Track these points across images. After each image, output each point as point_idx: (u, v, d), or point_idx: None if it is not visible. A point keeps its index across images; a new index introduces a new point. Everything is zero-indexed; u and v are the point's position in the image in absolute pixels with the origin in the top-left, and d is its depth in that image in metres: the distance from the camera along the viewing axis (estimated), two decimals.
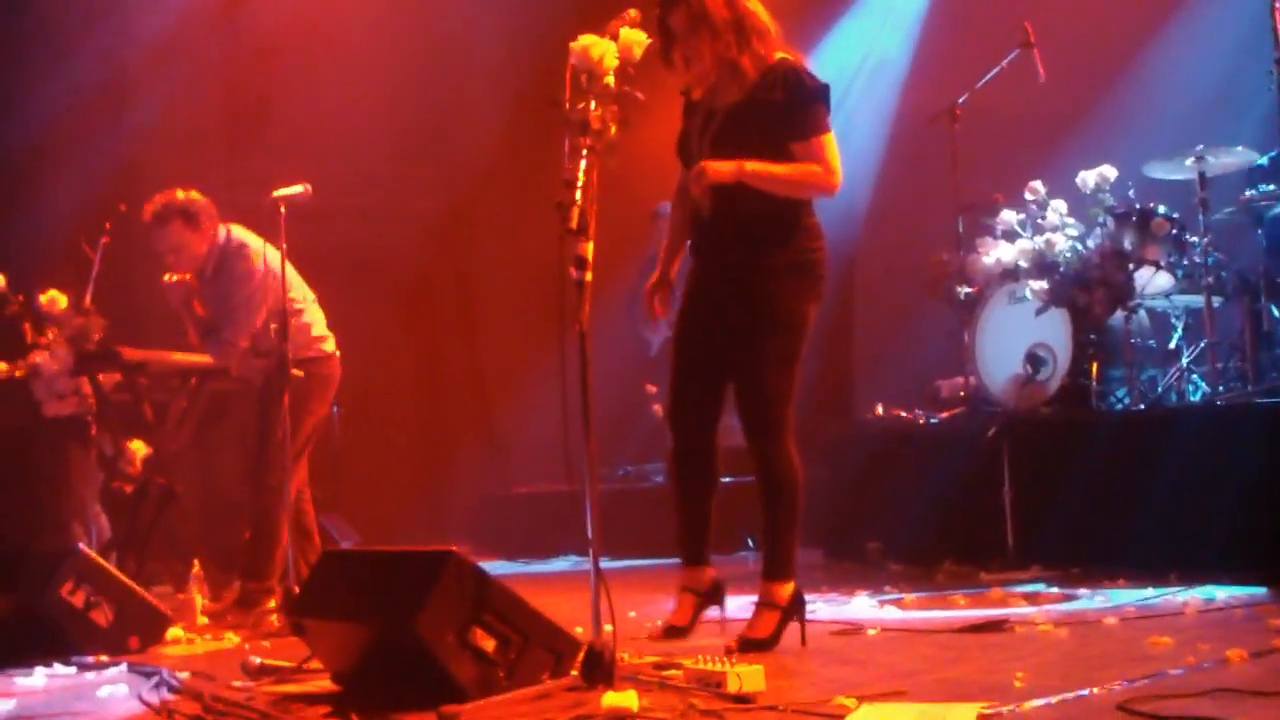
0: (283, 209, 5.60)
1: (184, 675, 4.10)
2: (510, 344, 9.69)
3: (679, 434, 4.36)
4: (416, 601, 3.37)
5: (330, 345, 6.04)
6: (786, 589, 4.19)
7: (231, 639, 5.25)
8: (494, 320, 10.19)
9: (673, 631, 4.32)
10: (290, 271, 5.69)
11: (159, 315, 8.14)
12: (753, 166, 4.09)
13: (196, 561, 6.07)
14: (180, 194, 5.90)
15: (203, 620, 5.71)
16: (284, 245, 5.56)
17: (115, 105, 8.57)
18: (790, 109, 4.13)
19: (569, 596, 5.24)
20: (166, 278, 5.92)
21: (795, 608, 4.21)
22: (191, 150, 9.08)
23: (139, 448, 6.56)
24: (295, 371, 5.64)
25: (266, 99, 9.08)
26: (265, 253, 5.87)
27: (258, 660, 4.09)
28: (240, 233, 5.99)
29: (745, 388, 4.21)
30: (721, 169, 4.08)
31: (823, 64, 9.53)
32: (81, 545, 5.08)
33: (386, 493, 9.38)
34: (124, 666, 4.47)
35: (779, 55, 4.22)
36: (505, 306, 9.90)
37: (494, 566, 5.21)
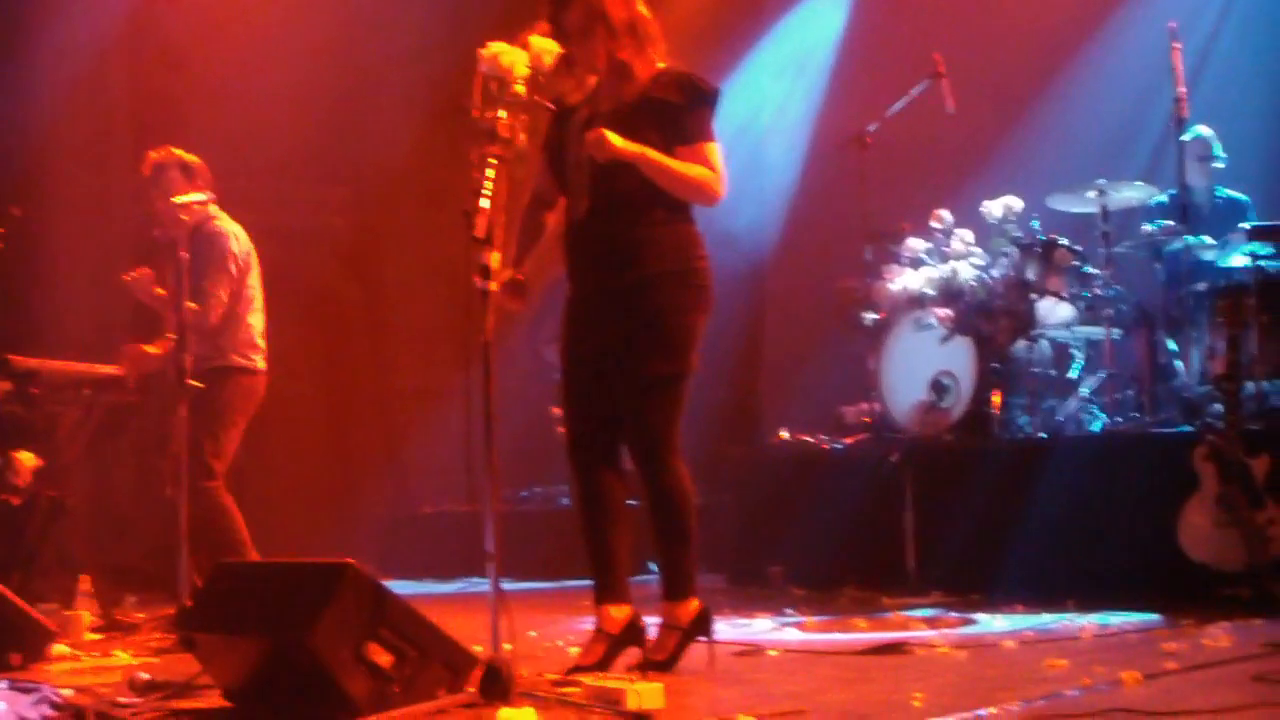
0: (185, 217, 5.51)
1: (67, 692, 3.97)
2: (419, 361, 9.60)
3: (578, 469, 4.22)
4: (311, 615, 3.29)
5: (263, 361, 5.92)
6: (688, 609, 4.13)
7: (121, 656, 5.11)
8: (403, 337, 10.08)
9: (577, 671, 4.02)
10: (255, 273, 5.76)
11: (53, 323, 7.98)
12: (654, 153, 3.99)
13: (85, 577, 5.92)
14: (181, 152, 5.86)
15: (91, 636, 5.56)
16: (185, 254, 5.46)
17: (13, 109, 8.37)
18: (680, 112, 4.06)
19: (470, 616, 5.15)
20: (126, 276, 5.80)
21: (698, 627, 4.15)
22: (95, 159, 8.90)
23: (28, 459, 6.37)
24: (194, 383, 5.53)
25: (173, 110, 8.92)
26: (243, 255, 5.84)
27: (145, 676, 3.97)
28: (229, 223, 5.90)
29: (631, 410, 4.10)
30: (623, 143, 3.95)
31: (739, 88, 9.73)
32: None
33: (289, 512, 9.21)
34: (4, 684, 4.32)
35: (666, 65, 4.17)
36: (414, 322, 9.80)
37: (397, 586, 5.14)
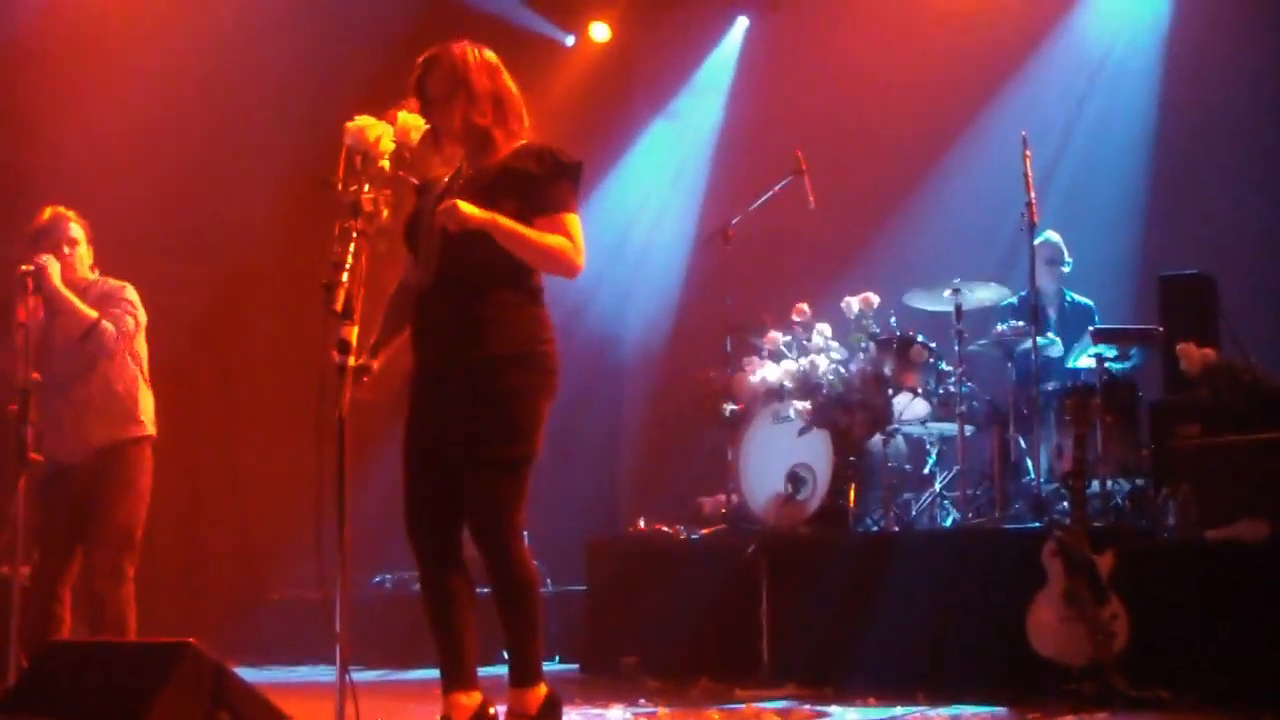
0: (30, 284, 5.36)
1: None
2: (272, 440, 9.39)
3: (419, 557, 4.12)
4: (147, 695, 3.17)
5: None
6: (536, 695, 4.05)
7: None
8: (256, 416, 9.88)
9: None
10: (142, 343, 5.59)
11: None
12: (506, 221, 3.92)
13: None
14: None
15: None
16: (28, 321, 5.30)
17: None
18: (539, 182, 4.01)
19: (316, 703, 5.02)
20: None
21: (546, 714, 4.06)
22: None
23: None
24: (35, 456, 5.35)
25: (23, 181, 8.69)
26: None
27: None
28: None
29: (474, 493, 4.00)
30: (475, 211, 3.88)
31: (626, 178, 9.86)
32: None
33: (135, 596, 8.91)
34: None
35: (530, 140, 4.15)
36: (268, 401, 9.61)
37: (244, 672, 4.98)
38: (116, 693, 3.31)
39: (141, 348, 5.65)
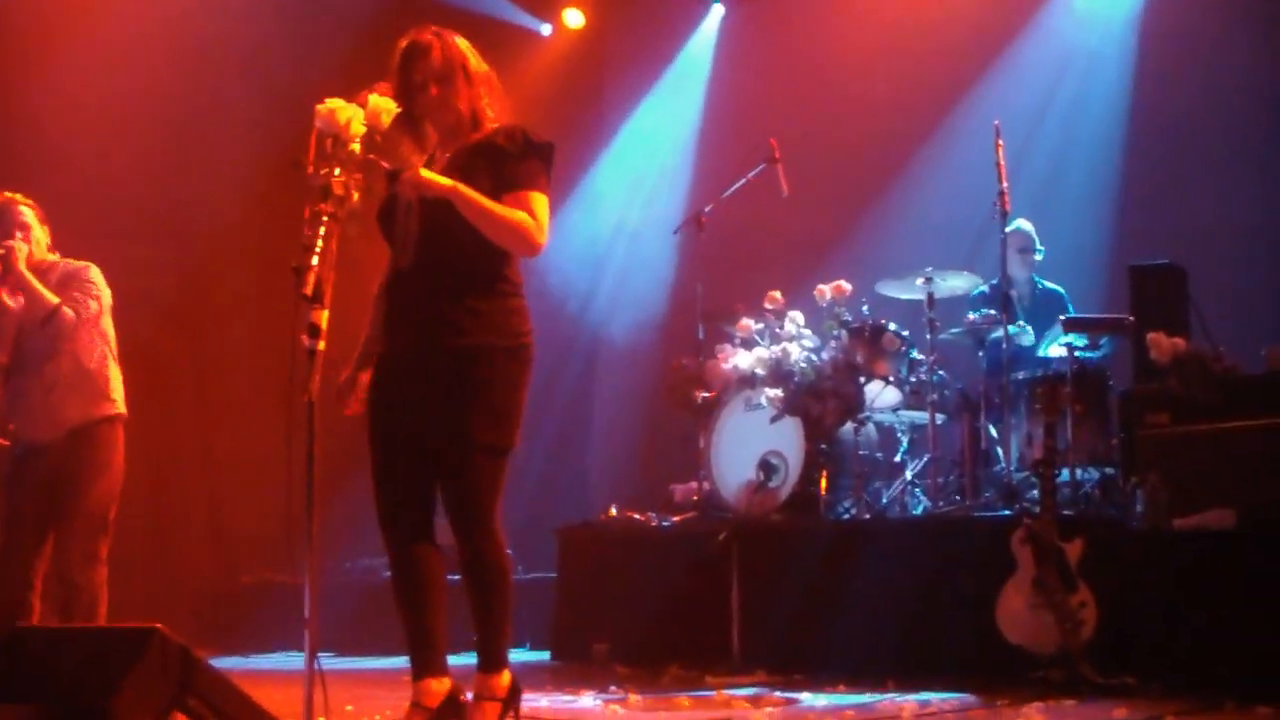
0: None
1: None
2: (242, 425, 9.34)
3: (391, 542, 4.08)
4: (113, 681, 3.14)
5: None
6: (504, 679, 4.07)
7: None
8: (227, 400, 9.82)
9: None
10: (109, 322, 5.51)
11: None
12: (468, 190, 3.90)
13: None
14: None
15: None
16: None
17: None
18: (508, 159, 4.00)
19: (285, 689, 5.00)
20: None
21: (514, 698, 4.09)
22: None
23: None
24: (1, 440, 5.32)
25: None
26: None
27: None
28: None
29: (457, 480, 4.00)
30: (436, 177, 3.87)
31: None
32: None
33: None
34: None
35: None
36: (239, 385, 9.55)
37: (214, 659, 4.96)
38: (83, 678, 3.29)
39: (108, 326, 5.58)
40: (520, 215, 3.95)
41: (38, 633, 4.29)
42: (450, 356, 3.97)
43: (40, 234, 5.55)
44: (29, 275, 5.37)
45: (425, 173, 3.87)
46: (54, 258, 5.58)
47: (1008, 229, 6.93)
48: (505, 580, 4.05)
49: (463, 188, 3.89)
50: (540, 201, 4.00)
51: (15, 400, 5.43)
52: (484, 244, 3.96)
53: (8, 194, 5.58)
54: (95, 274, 5.57)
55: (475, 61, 4.10)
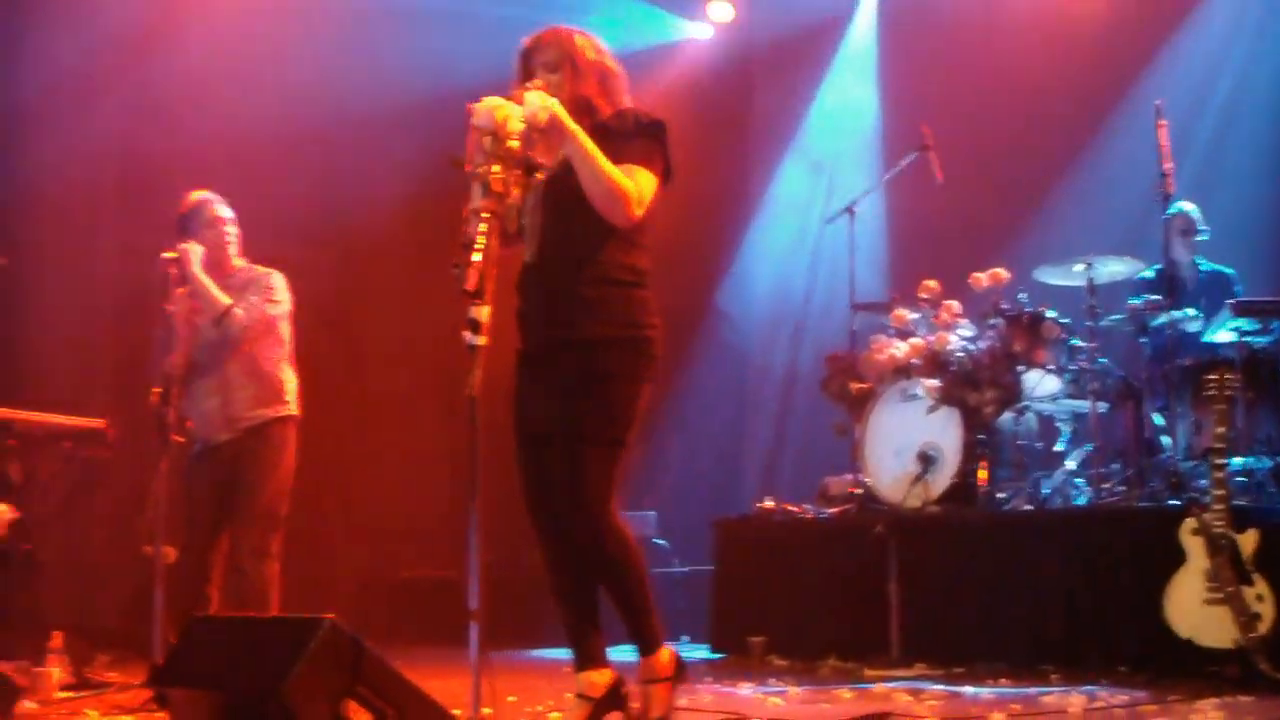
0: (173, 271, 5.49)
1: None
2: (402, 421, 9.50)
3: (540, 531, 4.11)
4: (285, 668, 3.23)
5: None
6: (664, 657, 4.08)
7: (90, 715, 5.01)
8: (386, 398, 9.99)
9: None
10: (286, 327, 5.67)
11: (33, 375, 7.90)
12: (586, 139, 3.88)
13: (57, 634, 5.82)
14: None
15: (61, 695, 5.47)
16: (172, 307, 5.45)
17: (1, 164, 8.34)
18: (617, 137, 3.99)
19: (448, 682, 5.08)
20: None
21: (680, 672, 4.11)
22: (82, 215, 8.87)
23: (3, 511, 6.27)
24: (176, 438, 5.49)
25: (160, 171, 8.89)
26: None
27: None
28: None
29: (563, 473, 3.98)
30: (563, 114, 3.83)
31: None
32: None
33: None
34: None
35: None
36: (397, 383, 9.72)
37: None
38: (257, 665, 3.38)
39: (285, 331, 5.71)
40: (623, 179, 3.92)
41: (216, 622, 4.43)
42: (563, 349, 3.99)
43: (233, 232, 5.69)
44: (202, 277, 5.52)
45: (558, 106, 3.84)
46: (242, 263, 5.72)
47: (1169, 211, 6.74)
48: (629, 564, 4.00)
49: (582, 134, 3.88)
50: (644, 176, 3.97)
51: (193, 400, 5.61)
52: (601, 230, 3.96)
53: (204, 193, 5.72)
54: (277, 280, 5.70)
55: (592, 55, 4.09)
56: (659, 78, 9.42)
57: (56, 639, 5.79)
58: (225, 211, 5.72)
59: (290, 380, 5.69)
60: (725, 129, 9.89)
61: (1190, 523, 5.38)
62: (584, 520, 3.98)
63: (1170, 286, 6.66)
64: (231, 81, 8.81)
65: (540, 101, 3.76)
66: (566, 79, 4.04)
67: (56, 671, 5.60)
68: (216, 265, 5.65)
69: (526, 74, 4.06)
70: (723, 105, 9.95)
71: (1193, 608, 5.30)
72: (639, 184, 3.94)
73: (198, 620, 4.15)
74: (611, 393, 3.97)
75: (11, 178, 8.23)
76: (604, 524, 3.97)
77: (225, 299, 5.52)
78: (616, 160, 3.94)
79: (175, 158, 8.59)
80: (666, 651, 4.09)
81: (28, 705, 4.98)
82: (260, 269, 5.74)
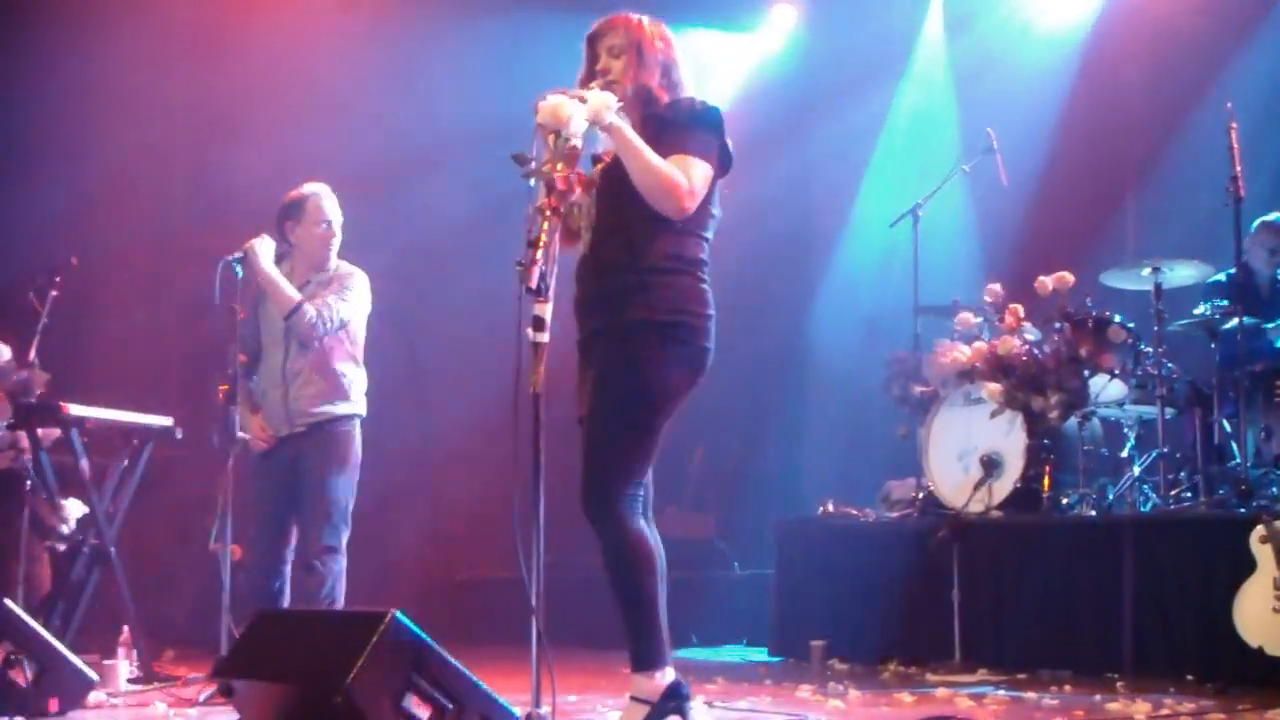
0: (239, 270, 5.54)
1: None
2: (467, 418, 9.53)
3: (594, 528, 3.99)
4: (349, 662, 3.25)
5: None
6: (655, 681, 3.86)
7: (158, 707, 5.09)
8: (450, 393, 10.03)
9: None
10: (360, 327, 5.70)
11: (105, 373, 8.03)
12: (632, 133, 3.86)
13: (125, 628, 5.91)
14: None
15: (129, 687, 5.55)
16: (237, 304, 5.51)
17: (78, 170, 8.47)
18: (667, 125, 3.96)
19: (507, 680, 5.10)
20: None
21: (669, 701, 3.87)
22: (153, 217, 9.00)
23: (74, 506, 6.38)
24: (242, 434, 5.54)
25: (229, 176, 8.99)
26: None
27: None
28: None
29: (584, 460, 3.91)
30: (613, 111, 3.82)
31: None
32: (5, 600, 4.89)
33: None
34: None
35: None
36: (459, 382, 9.77)
37: None
38: (321, 658, 3.41)
39: (359, 331, 5.71)
40: (673, 170, 3.88)
41: (281, 616, 4.48)
42: (605, 334, 3.97)
43: (336, 232, 5.69)
44: (271, 272, 5.56)
45: (613, 105, 3.83)
46: (335, 263, 5.72)
47: (1255, 223, 6.63)
48: (636, 567, 3.87)
49: (629, 129, 3.87)
50: (695, 165, 3.91)
51: (261, 395, 5.66)
52: (653, 220, 3.92)
53: (315, 186, 5.72)
54: (358, 280, 5.71)
55: (659, 44, 4.07)
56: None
57: (125, 633, 5.87)
58: (332, 207, 5.70)
59: (359, 379, 5.71)
60: (784, 126, 9.84)
61: (1260, 531, 5.30)
62: (590, 505, 3.90)
63: (1243, 292, 6.55)
64: (296, 89, 8.90)
65: (604, 101, 3.76)
66: (630, 65, 4.01)
67: (125, 664, 5.69)
68: (309, 258, 5.67)
69: (593, 57, 4.05)
70: (791, 119, 9.92)
71: (1262, 616, 5.23)
72: (690, 175, 3.89)
73: (264, 614, 4.20)
74: (636, 376, 3.91)
75: (88, 187, 8.36)
76: (610, 515, 3.87)
77: (295, 294, 5.56)
78: (670, 151, 3.90)
79: (241, 165, 8.70)
80: (663, 675, 3.88)
81: (98, 696, 5.05)
82: (346, 267, 5.73)
